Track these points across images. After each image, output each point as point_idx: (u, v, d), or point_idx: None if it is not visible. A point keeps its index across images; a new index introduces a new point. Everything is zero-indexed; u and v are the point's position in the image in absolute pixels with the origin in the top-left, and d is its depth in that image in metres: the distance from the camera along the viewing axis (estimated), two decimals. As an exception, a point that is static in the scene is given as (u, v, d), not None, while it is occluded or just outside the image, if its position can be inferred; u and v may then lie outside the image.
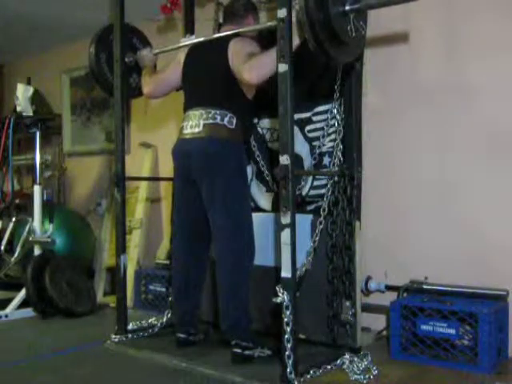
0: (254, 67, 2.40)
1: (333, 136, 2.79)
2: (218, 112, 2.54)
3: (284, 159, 2.17)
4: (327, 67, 2.77)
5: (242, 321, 2.51)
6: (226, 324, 2.52)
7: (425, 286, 2.70)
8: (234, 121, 2.55)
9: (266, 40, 2.72)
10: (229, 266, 2.52)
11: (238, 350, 2.47)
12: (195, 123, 2.58)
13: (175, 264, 2.79)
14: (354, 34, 2.21)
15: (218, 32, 2.85)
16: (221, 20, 3.36)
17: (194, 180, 2.61)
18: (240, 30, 2.63)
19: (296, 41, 2.24)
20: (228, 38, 2.60)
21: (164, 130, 4.12)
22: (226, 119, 2.54)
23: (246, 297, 2.52)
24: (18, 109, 3.74)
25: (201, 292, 2.80)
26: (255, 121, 3.11)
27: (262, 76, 2.39)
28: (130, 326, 3.01)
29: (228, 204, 2.53)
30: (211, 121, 2.54)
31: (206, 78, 2.63)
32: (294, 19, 2.20)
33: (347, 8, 2.16)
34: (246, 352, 2.47)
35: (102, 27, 3.10)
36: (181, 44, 2.87)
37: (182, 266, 2.74)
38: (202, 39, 2.75)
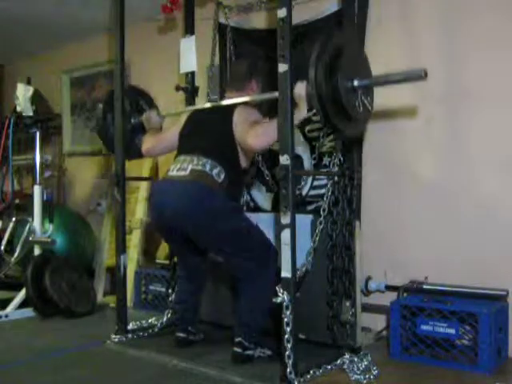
0: (259, 134, 2.41)
1: (333, 136, 2.79)
2: (208, 161, 2.49)
3: (284, 159, 2.17)
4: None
5: (256, 322, 2.51)
6: (239, 329, 2.51)
7: (425, 286, 2.70)
8: (222, 176, 2.48)
9: (265, 105, 2.73)
10: (251, 284, 2.52)
11: (239, 350, 2.47)
12: (183, 167, 2.53)
13: (179, 274, 2.89)
14: (361, 110, 2.25)
15: (221, 33, 2.80)
16: (221, 20, 3.39)
17: (173, 221, 2.50)
18: (243, 99, 2.62)
19: (304, 112, 2.28)
20: (232, 106, 2.61)
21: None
22: (215, 171, 2.48)
23: (266, 308, 2.49)
24: (18, 109, 3.73)
25: (202, 294, 2.87)
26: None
27: (265, 143, 2.41)
28: (130, 326, 3.01)
29: (226, 246, 2.52)
30: (200, 167, 2.49)
31: (205, 133, 2.63)
32: (303, 92, 2.23)
33: (356, 84, 2.19)
34: (247, 352, 2.47)
35: (108, 92, 3.13)
36: (189, 108, 2.87)
37: (183, 281, 2.84)
38: (207, 105, 2.78)
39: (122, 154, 2.96)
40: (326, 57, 2.11)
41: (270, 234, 2.76)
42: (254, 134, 2.42)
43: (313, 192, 2.89)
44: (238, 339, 2.48)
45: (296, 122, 2.26)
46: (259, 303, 2.50)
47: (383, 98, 2.77)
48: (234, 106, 2.59)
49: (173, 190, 2.51)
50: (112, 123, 3.04)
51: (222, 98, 2.89)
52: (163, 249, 3.89)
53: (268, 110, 2.59)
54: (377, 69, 2.38)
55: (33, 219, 3.69)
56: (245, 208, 3.19)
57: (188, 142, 2.67)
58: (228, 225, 2.48)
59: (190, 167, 2.51)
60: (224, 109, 2.64)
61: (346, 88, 2.16)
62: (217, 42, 3.41)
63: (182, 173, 2.51)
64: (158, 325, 3.05)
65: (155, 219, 2.65)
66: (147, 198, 2.60)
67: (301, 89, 2.25)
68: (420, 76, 2.12)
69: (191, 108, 2.86)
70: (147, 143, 2.93)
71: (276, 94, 2.27)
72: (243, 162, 2.61)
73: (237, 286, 2.61)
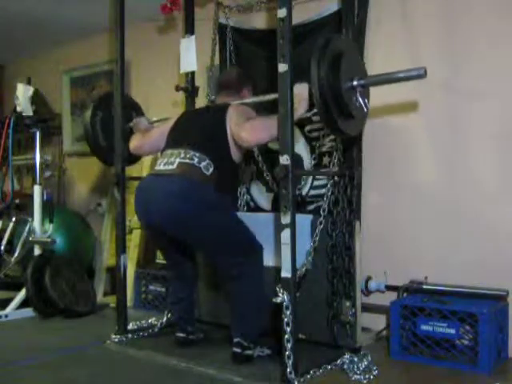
0: (254, 128, 2.37)
1: (333, 136, 2.79)
2: (197, 154, 2.42)
3: (284, 159, 2.17)
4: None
5: (253, 321, 2.51)
6: (235, 329, 2.51)
7: (425, 286, 2.70)
8: (211, 169, 2.41)
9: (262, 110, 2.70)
10: (239, 283, 2.50)
11: (238, 350, 2.46)
12: (170, 161, 2.46)
13: (169, 274, 2.89)
14: (360, 109, 2.26)
15: (220, 32, 2.82)
16: (221, 20, 3.39)
17: (158, 220, 2.44)
18: (239, 101, 2.61)
19: (300, 112, 2.27)
20: (226, 105, 2.58)
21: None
22: (203, 163, 2.40)
23: (262, 301, 2.49)
24: (18, 109, 3.73)
25: (195, 293, 2.87)
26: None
27: (260, 138, 2.37)
28: (130, 326, 3.01)
29: (213, 246, 2.50)
30: (188, 160, 2.41)
31: (195, 128, 2.58)
32: (306, 92, 2.23)
33: (355, 83, 2.21)
34: (246, 352, 2.47)
35: (99, 96, 3.18)
36: (176, 116, 2.80)
37: (174, 278, 2.83)
38: (199, 108, 2.80)
39: (122, 154, 2.96)
40: (327, 57, 2.11)
41: (270, 234, 2.76)
42: (249, 128, 2.37)
43: (313, 192, 2.89)
44: (236, 340, 2.48)
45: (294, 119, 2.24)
46: (250, 301, 2.49)
47: (383, 97, 2.78)
48: (228, 105, 2.57)
49: (159, 187, 2.43)
50: (101, 130, 3.05)
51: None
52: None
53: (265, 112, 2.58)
54: (377, 68, 2.38)
55: (33, 219, 3.70)
56: (245, 208, 3.19)
57: (176, 137, 2.62)
58: (213, 220, 2.42)
59: (177, 160, 2.44)
60: (217, 107, 2.61)
61: (346, 87, 2.17)
62: (217, 42, 3.40)
63: (170, 167, 2.44)
64: (158, 325, 3.06)
65: (140, 216, 2.58)
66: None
67: (299, 89, 2.24)
68: (420, 75, 2.12)
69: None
70: (134, 141, 2.90)
71: (272, 96, 2.26)
72: (235, 156, 2.53)
73: (226, 287, 2.59)
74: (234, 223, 2.54)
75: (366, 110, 2.32)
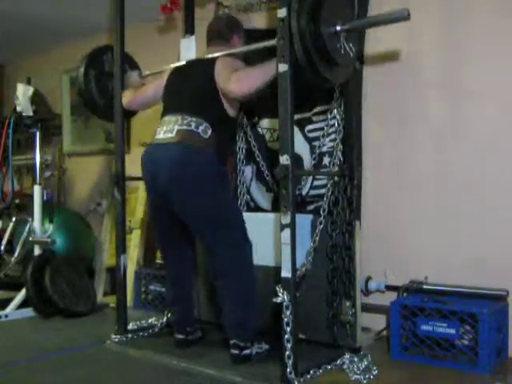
0: (241, 79, 2.39)
1: (333, 136, 2.79)
2: (193, 119, 2.47)
3: (284, 159, 2.17)
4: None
5: (246, 321, 2.49)
6: (229, 328, 2.51)
7: (425, 286, 2.70)
8: (209, 132, 2.46)
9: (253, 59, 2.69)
10: (229, 276, 2.49)
11: (236, 352, 2.46)
12: (169, 128, 2.51)
13: (166, 273, 2.85)
14: (344, 54, 2.25)
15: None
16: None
17: (164, 189, 2.49)
18: (229, 51, 2.60)
19: None
20: (214, 58, 2.57)
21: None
22: (201, 128, 2.45)
23: (253, 297, 2.50)
24: (18, 109, 3.74)
25: (191, 297, 2.83)
26: (255, 120, 3.12)
27: (247, 88, 2.37)
28: (130, 326, 3.01)
29: (211, 221, 2.48)
30: (185, 127, 2.46)
31: (188, 89, 2.60)
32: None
33: (338, 28, 2.19)
34: (244, 352, 2.46)
35: (94, 48, 3.17)
36: (168, 66, 2.83)
37: (170, 279, 2.80)
38: (188, 60, 2.74)
39: (122, 153, 2.97)
40: (306, 5, 2.10)
41: (270, 234, 2.76)
42: (236, 79, 2.38)
43: (313, 192, 2.89)
44: (232, 341, 2.47)
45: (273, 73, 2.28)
46: (241, 297, 2.48)
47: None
48: (217, 58, 2.56)
49: (162, 156, 2.49)
50: (96, 87, 3.08)
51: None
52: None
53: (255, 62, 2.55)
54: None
55: (33, 219, 3.70)
56: (245, 208, 3.18)
57: (172, 102, 2.64)
58: (214, 193, 2.46)
59: (175, 128, 2.48)
60: (206, 61, 2.60)
61: (329, 33, 2.15)
62: (217, 42, 3.39)
63: (169, 135, 2.49)
64: (158, 325, 3.06)
65: (148, 189, 2.64)
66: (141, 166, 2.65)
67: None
68: (404, 16, 2.10)
69: (173, 65, 2.82)
70: (127, 97, 2.93)
71: (265, 43, 2.30)
72: (231, 111, 2.56)
73: (218, 284, 2.55)
74: (233, 203, 2.59)
75: (352, 55, 2.30)
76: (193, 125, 2.46)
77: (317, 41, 2.11)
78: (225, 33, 2.72)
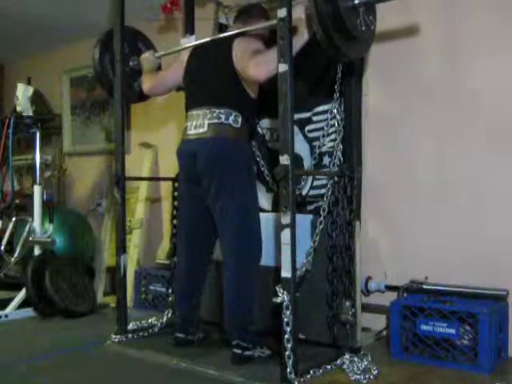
0: (260, 63, 2.39)
1: (333, 136, 2.79)
2: (222, 111, 2.52)
3: (284, 159, 2.17)
4: (328, 67, 2.77)
5: (245, 321, 2.50)
6: (229, 323, 2.52)
7: (425, 286, 2.70)
8: (240, 119, 2.54)
9: (271, 40, 2.71)
10: (235, 264, 2.50)
11: (238, 351, 2.46)
12: (200, 123, 2.56)
13: (178, 267, 2.81)
14: (363, 29, 2.21)
15: (221, 32, 2.84)
16: (221, 20, 3.39)
17: (199, 181, 2.57)
18: (245, 28, 2.61)
19: (305, 35, 2.27)
20: (232, 38, 2.59)
21: (164, 130, 4.12)
22: (231, 118, 2.52)
23: (252, 296, 2.51)
24: (18, 109, 3.73)
25: (201, 294, 2.81)
26: (255, 120, 3.12)
27: (268, 72, 2.37)
28: (130, 326, 3.01)
29: (237, 201, 2.51)
30: (216, 120, 2.52)
31: (209, 76, 2.62)
32: (303, 15, 2.25)
33: (356, 2, 2.16)
34: (246, 353, 2.47)
35: (106, 30, 3.12)
36: (184, 46, 2.86)
37: (184, 271, 2.76)
38: (205, 40, 2.74)
39: (122, 154, 2.96)
40: None
41: (270, 234, 2.76)
42: (255, 63, 2.40)
43: (313, 192, 2.89)
44: (235, 342, 2.48)
45: (297, 47, 2.26)
46: (245, 291, 2.48)
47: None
48: (234, 37, 2.58)
49: (198, 149, 2.54)
50: (110, 65, 3.05)
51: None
52: (163, 248, 3.89)
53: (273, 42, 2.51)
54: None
55: (33, 219, 3.69)
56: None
57: (195, 93, 2.67)
58: (243, 185, 2.53)
59: (206, 122, 2.54)
60: (224, 42, 2.61)
61: (347, 6, 2.12)
62: (217, 42, 3.39)
63: (201, 130, 2.55)
64: (158, 325, 3.05)
65: (184, 179, 2.69)
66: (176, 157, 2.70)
67: (300, 12, 2.24)
68: None
69: (189, 45, 2.83)
70: (147, 82, 2.93)
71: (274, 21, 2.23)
72: (252, 92, 2.59)
73: (224, 276, 2.55)
74: (256, 204, 2.65)
75: (371, 29, 2.26)
76: (222, 117, 2.52)
77: (334, 12, 2.06)
78: (252, 13, 2.74)
